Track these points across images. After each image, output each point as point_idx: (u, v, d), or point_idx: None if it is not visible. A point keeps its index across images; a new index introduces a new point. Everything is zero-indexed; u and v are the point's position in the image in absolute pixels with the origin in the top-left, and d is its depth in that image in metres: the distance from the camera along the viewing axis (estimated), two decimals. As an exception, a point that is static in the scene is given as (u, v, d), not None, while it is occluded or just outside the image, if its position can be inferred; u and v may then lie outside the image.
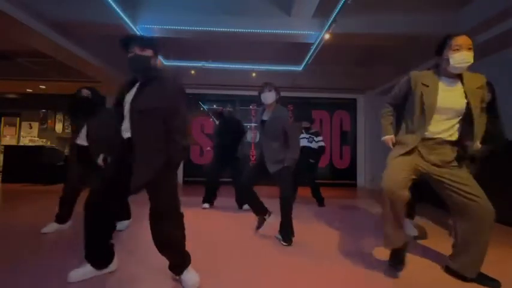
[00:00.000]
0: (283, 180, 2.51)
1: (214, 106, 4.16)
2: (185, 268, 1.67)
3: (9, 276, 1.70)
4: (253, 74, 6.37)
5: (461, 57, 1.69)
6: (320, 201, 4.40)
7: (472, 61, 1.70)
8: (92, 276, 1.69)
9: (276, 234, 2.58)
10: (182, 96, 1.67)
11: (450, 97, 1.75)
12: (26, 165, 6.34)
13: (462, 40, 1.71)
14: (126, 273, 1.79)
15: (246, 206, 4.02)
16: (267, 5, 4.46)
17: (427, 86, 1.79)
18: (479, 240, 1.77)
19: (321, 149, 4.38)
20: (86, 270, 1.68)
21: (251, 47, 5.44)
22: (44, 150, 6.63)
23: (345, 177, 7.44)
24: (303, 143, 4.39)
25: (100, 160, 2.34)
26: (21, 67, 6.45)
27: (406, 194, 1.75)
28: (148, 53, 1.65)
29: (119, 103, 1.65)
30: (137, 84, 1.64)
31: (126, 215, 2.76)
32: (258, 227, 2.74)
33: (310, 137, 4.38)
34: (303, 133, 4.47)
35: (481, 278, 1.79)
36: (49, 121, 8.89)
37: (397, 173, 1.78)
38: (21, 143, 8.53)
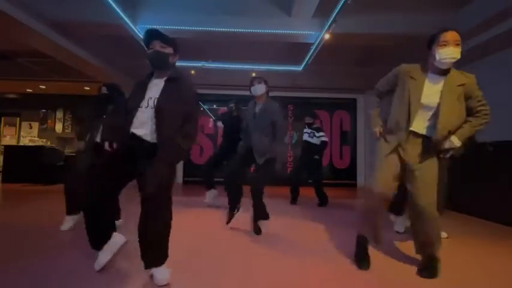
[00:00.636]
0: (264, 171, 2.63)
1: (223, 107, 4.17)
2: (158, 265, 1.65)
3: (9, 277, 1.70)
4: (253, 74, 6.37)
5: (447, 52, 1.70)
6: (322, 201, 4.39)
7: (458, 57, 1.71)
8: (107, 260, 1.72)
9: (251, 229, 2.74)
10: (197, 102, 1.77)
11: (431, 94, 1.78)
12: (26, 165, 6.33)
13: (450, 36, 1.71)
14: (121, 271, 1.79)
15: (208, 199, 4.05)
16: (267, 5, 4.46)
17: (415, 80, 1.83)
18: (423, 232, 1.88)
19: (323, 144, 4.38)
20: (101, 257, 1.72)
21: (251, 47, 5.44)
22: (44, 150, 6.62)
23: (345, 177, 7.44)
24: (305, 137, 4.42)
25: (106, 146, 2.37)
26: (21, 67, 6.45)
27: (391, 195, 1.91)
28: (169, 50, 1.70)
29: (135, 98, 1.67)
30: (157, 81, 1.69)
31: (116, 216, 2.75)
32: (228, 222, 2.88)
33: (311, 132, 4.40)
34: (305, 128, 4.50)
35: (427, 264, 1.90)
36: (49, 121, 8.89)
37: (387, 175, 1.88)
38: (21, 143, 8.52)
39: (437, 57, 1.72)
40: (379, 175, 1.89)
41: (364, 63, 6.57)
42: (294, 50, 5.49)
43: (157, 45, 1.66)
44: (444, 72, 1.78)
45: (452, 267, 2.05)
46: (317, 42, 4.67)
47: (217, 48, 5.70)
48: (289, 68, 6.31)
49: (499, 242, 2.72)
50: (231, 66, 6.24)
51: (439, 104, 1.75)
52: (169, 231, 1.69)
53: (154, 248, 1.65)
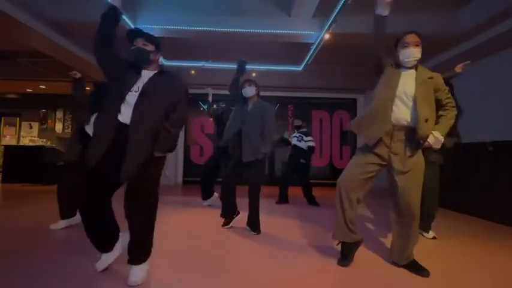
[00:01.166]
0: (254, 173, 2.72)
1: (214, 106, 4.17)
2: (137, 263, 1.66)
3: (9, 276, 1.70)
4: (253, 74, 6.36)
5: (408, 53, 1.89)
6: (312, 201, 4.40)
7: (419, 56, 1.89)
8: (113, 259, 1.76)
9: (245, 226, 2.82)
10: (185, 94, 1.79)
11: (406, 81, 1.89)
12: (26, 165, 6.33)
13: (410, 38, 1.91)
14: (122, 271, 1.78)
15: (206, 202, 4.07)
16: (267, 5, 4.46)
17: (392, 73, 1.95)
18: (405, 232, 1.92)
19: (310, 149, 4.39)
20: (105, 258, 1.73)
21: (251, 47, 5.43)
22: (44, 150, 6.62)
23: (345, 177, 7.42)
24: (293, 141, 4.44)
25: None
26: (21, 67, 6.43)
27: (357, 197, 1.94)
28: (150, 48, 1.74)
29: (127, 80, 1.66)
30: (147, 72, 1.72)
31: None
32: (225, 225, 2.93)
33: (299, 135, 4.42)
34: (294, 132, 4.52)
35: (413, 266, 1.91)
36: (49, 121, 8.88)
37: (355, 173, 1.94)
38: (21, 143, 8.51)
39: (401, 57, 1.91)
40: (347, 172, 1.99)
41: (364, 63, 6.56)
42: (294, 50, 5.48)
43: (139, 43, 1.72)
44: (413, 69, 1.93)
45: (453, 267, 2.05)
46: (317, 42, 4.67)
47: (217, 48, 5.70)
48: (289, 68, 6.30)
49: (499, 242, 2.72)
50: (231, 66, 6.23)
51: (415, 94, 1.84)
52: (150, 231, 1.70)
53: (134, 246, 1.66)
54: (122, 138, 1.57)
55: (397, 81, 1.89)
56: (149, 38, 1.75)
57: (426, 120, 1.81)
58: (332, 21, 4.02)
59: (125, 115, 1.61)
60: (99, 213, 1.65)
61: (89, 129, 2.64)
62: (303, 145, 4.38)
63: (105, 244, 1.73)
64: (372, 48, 2.03)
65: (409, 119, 1.85)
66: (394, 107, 1.86)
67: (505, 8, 3.52)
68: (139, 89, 1.64)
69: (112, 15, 1.67)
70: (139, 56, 1.71)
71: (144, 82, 1.66)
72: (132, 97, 1.62)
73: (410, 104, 1.85)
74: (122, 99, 1.62)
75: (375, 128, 1.88)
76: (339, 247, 2.08)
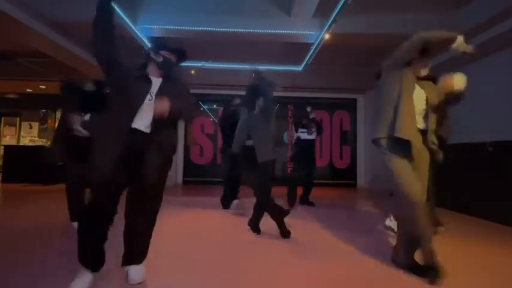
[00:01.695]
0: (266, 175, 2.70)
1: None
2: (139, 262, 1.68)
3: (9, 276, 1.70)
4: (254, 74, 6.36)
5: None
6: (305, 201, 4.41)
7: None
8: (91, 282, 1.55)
9: (246, 226, 2.81)
10: (192, 97, 1.91)
11: (419, 91, 1.96)
12: (26, 165, 6.34)
13: None
14: (114, 269, 1.78)
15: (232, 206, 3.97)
16: (267, 5, 4.46)
17: (412, 79, 1.96)
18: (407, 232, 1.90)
19: (313, 141, 4.47)
20: (85, 278, 1.55)
21: (251, 47, 5.44)
22: (44, 150, 6.62)
23: (345, 177, 7.44)
24: (304, 136, 4.43)
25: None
26: (21, 67, 6.43)
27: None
28: (174, 59, 1.80)
29: (138, 90, 1.65)
30: (154, 78, 1.72)
31: None
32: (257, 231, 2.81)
33: (309, 129, 4.44)
34: (300, 127, 4.53)
35: (413, 267, 1.89)
36: (49, 121, 8.88)
37: (416, 179, 1.82)
38: (21, 143, 8.52)
39: (429, 64, 1.97)
40: (408, 184, 1.79)
41: (364, 63, 6.57)
42: (294, 50, 5.49)
43: (173, 57, 1.77)
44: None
45: (453, 267, 2.05)
46: (317, 42, 4.67)
47: (217, 48, 5.70)
48: (289, 68, 6.31)
49: (499, 242, 2.72)
50: (231, 66, 6.23)
51: (427, 100, 1.93)
52: (151, 233, 1.73)
53: (139, 245, 1.69)
54: (134, 144, 1.56)
55: (413, 87, 1.95)
56: (183, 58, 1.85)
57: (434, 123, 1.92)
58: (332, 21, 4.02)
59: (138, 122, 1.59)
60: (105, 223, 1.58)
61: (77, 128, 2.62)
62: (313, 136, 4.43)
63: (97, 260, 1.58)
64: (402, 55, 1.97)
65: (424, 123, 1.94)
66: (417, 112, 1.92)
67: (505, 8, 3.52)
68: (153, 97, 1.63)
69: (106, 5, 1.74)
70: (170, 69, 1.78)
71: (156, 89, 1.67)
72: (146, 106, 1.60)
73: (424, 108, 1.93)
74: (135, 109, 1.59)
75: (409, 132, 1.88)
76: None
